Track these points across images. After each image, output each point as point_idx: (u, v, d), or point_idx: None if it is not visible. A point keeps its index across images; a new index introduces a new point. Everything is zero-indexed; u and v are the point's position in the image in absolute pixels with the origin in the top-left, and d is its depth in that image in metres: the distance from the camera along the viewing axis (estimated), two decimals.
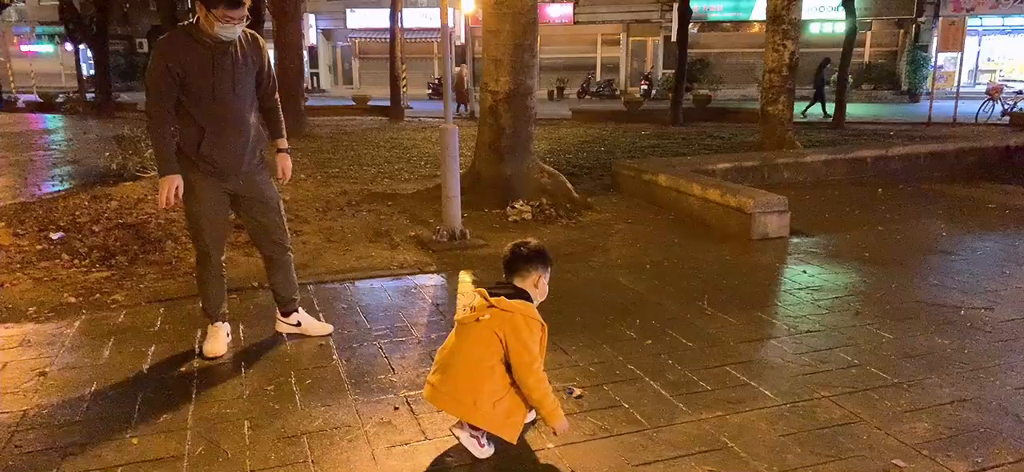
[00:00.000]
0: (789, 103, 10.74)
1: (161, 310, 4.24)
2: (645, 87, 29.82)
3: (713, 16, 30.99)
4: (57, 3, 36.01)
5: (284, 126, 3.77)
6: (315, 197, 7.57)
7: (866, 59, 30.47)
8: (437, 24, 31.00)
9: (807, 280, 4.91)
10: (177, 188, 3.30)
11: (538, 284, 2.64)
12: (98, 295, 4.52)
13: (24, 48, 41.42)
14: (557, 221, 6.68)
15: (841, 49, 17.78)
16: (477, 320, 2.50)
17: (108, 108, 21.67)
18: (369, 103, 23.09)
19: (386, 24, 21.72)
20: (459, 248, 5.63)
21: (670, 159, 9.62)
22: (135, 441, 2.75)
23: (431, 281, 4.93)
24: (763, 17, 11.42)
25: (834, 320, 4.09)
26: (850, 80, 21.16)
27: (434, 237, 5.83)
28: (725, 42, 32.16)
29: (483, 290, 2.58)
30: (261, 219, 3.65)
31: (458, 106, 22.32)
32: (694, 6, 19.89)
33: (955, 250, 5.67)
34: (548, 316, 2.65)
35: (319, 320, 4.02)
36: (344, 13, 34.71)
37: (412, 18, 31.04)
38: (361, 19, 34.41)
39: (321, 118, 20.03)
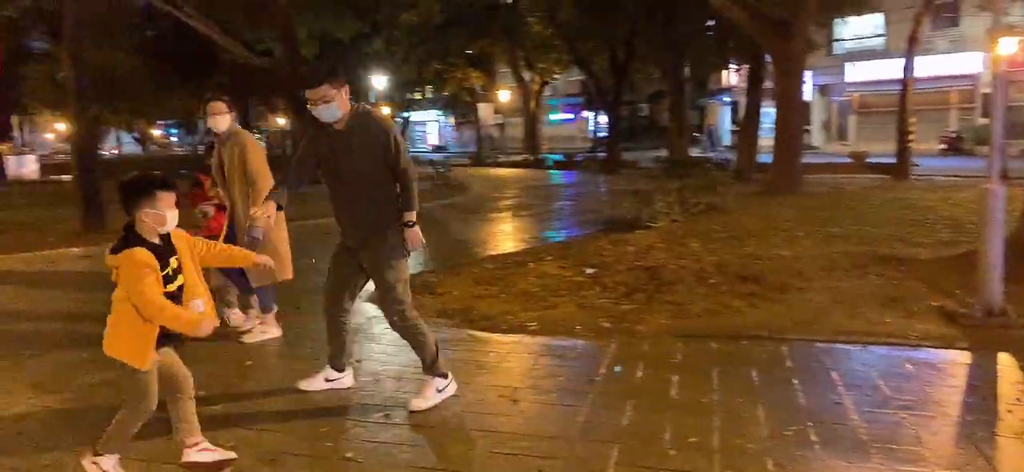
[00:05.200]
0: None
1: (679, 344, 4.71)
2: None
3: None
4: (580, 78, 43.09)
5: (414, 200, 3.83)
6: (817, 256, 7.41)
7: None
8: (955, 72, 27.24)
9: None
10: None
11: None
12: (626, 324, 5.26)
13: (552, 117, 50.64)
14: None
15: None
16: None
17: (615, 164, 24.91)
18: (867, 160, 21.53)
19: (889, 76, 20.04)
20: (999, 326, 4.84)
21: None
22: (672, 453, 3.13)
23: (961, 358, 4.37)
24: None
25: None
26: None
27: (963, 310, 5.14)
28: None
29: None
30: (378, 290, 3.90)
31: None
32: None
33: None
34: None
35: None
36: (842, 67, 33.14)
37: (924, 66, 27.86)
38: (861, 72, 32.33)
39: (816, 176, 19.42)
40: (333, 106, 3.63)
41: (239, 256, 3.38)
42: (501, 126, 48.58)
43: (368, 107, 3.90)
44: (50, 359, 4.81)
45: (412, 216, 3.79)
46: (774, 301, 5.72)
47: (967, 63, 27.51)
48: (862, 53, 31.80)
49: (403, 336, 3.90)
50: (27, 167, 29.05)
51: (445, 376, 3.92)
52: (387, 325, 5.22)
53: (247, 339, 5.18)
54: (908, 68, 18.38)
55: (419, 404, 3.79)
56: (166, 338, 2.96)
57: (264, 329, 5.29)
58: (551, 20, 25.14)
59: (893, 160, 19.02)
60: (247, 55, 21.54)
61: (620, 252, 7.69)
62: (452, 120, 56.61)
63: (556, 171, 26.78)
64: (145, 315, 2.81)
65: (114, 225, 7.33)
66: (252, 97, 35.89)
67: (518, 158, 31.85)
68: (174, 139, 60.95)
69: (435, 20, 23.22)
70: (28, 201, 17.96)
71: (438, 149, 52.00)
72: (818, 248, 7.86)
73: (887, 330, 4.93)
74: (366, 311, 5.92)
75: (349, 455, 3.25)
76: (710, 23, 21.23)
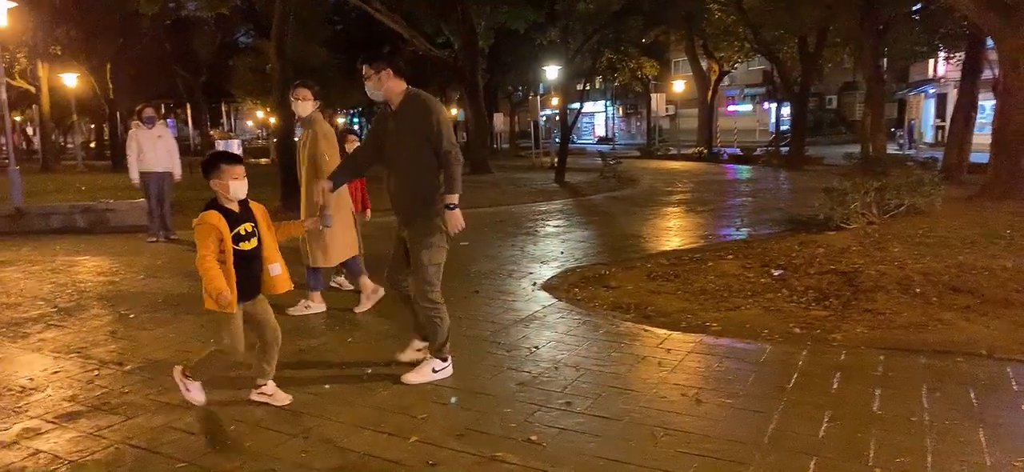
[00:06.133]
0: None
1: (881, 357, 4.34)
2: None
3: None
4: (762, 68, 40.84)
5: (456, 183, 3.90)
6: None
7: None
8: None
9: None
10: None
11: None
12: (818, 331, 4.93)
13: (729, 108, 48.52)
14: None
15: None
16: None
17: (799, 160, 23.38)
18: None
19: None
20: None
21: None
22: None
23: None
24: None
25: None
26: None
27: None
28: None
29: None
30: (412, 266, 4.05)
31: None
32: None
33: None
34: None
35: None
36: None
37: None
38: None
39: None
40: (369, 85, 3.96)
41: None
42: (673, 117, 47.36)
43: (419, 91, 4.06)
44: None
45: (454, 199, 3.92)
46: (994, 317, 5.10)
47: None
48: None
49: (421, 314, 4.13)
50: (232, 150, 32.41)
51: (445, 360, 4.15)
52: (563, 314, 5.35)
53: (292, 311, 5.61)
54: None
55: (412, 379, 4.06)
56: (246, 291, 3.55)
57: (308, 304, 5.70)
58: (735, 5, 24.02)
59: None
60: (428, 47, 22.68)
61: (810, 254, 7.22)
62: (621, 110, 56.03)
63: (733, 165, 25.65)
64: (198, 267, 3.40)
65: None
66: (429, 87, 37.76)
67: (691, 151, 30.87)
68: (355, 126, 65.87)
69: (613, 7, 23.02)
70: None
71: (604, 140, 51.74)
72: None
73: None
74: (541, 299, 6.05)
75: (533, 438, 3.34)
76: (917, 6, 19.27)
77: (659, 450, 3.19)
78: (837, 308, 5.45)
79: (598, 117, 59.21)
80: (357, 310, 5.73)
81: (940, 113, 34.61)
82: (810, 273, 6.43)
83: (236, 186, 3.50)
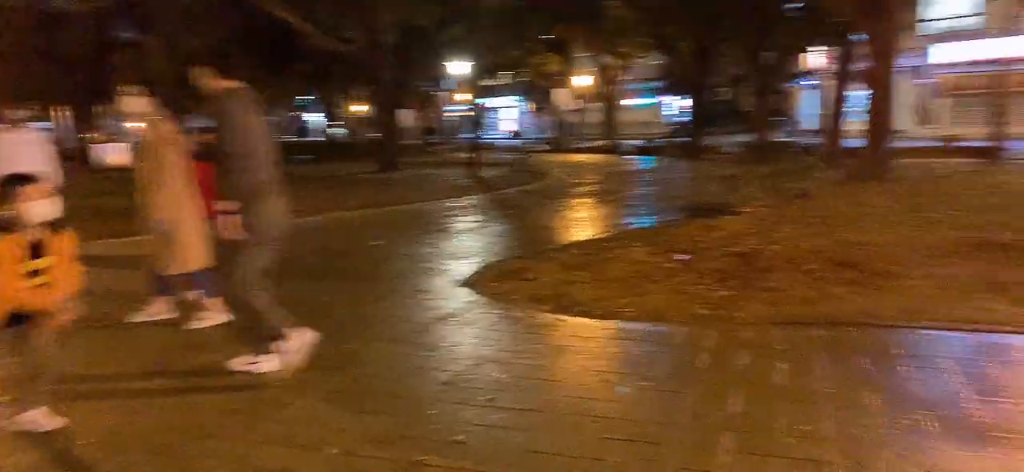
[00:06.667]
0: None
1: (781, 332, 4.63)
2: None
3: None
4: (659, 62, 42.27)
5: (233, 190, 3.99)
6: (916, 242, 7.13)
7: None
8: None
9: None
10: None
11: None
12: (723, 311, 5.22)
13: (630, 102, 49.89)
14: None
15: None
16: None
17: (697, 150, 24.47)
18: (958, 144, 20.44)
19: (979, 57, 18.84)
20: None
21: None
22: (788, 440, 3.13)
23: None
24: None
25: None
26: None
27: None
28: None
29: None
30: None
31: None
32: None
33: None
34: None
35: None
36: (927, 49, 31.30)
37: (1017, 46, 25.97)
38: (948, 54, 30.49)
39: (905, 160, 18.56)
40: (200, 85, 4.11)
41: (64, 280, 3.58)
42: (580, 112, 48.33)
43: (232, 89, 4.10)
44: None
45: (228, 205, 3.97)
46: (876, 288, 5.56)
47: None
48: (951, 34, 30.02)
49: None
50: (113, 154, 30.00)
51: (272, 353, 4.18)
52: (482, 310, 5.40)
53: (193, 325, 5.22)
54: (1005, 49, 17.32)
55: (236, 365, 4.22)
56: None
57: (207, 316, 5.28)
58: (634, 3, 24.82)
59: (986, 144, 18.03)
60: (327, 40, 22.08)
61: (711, 238, 7.60)
62: (533, 106, 56.67)
63: (636, 156, 26.48)
64: None
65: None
66: (332, 84, 36.86)
67: (597, 144, 31.69)
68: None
69: (516, 3, 23.28)
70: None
71: (516, 135, 52.25)
72: (916, 234, 7.56)
73: (995, 317, 4.73)
74: (459, 296, 6.09)
75: (459, 438, 3.33)
76: (799, 4, 20.52)
77: (583, 438, 3.30)
78: (739, 288, 5.77)
79: (509, 113, 59.61)
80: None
81: (823, 104, 36.97)
82: (713, 256, 6.79)
83: (31, 209, 3.23)
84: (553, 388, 3.93)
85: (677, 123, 36.64)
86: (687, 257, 6.89)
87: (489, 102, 42.89)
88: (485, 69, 28.78)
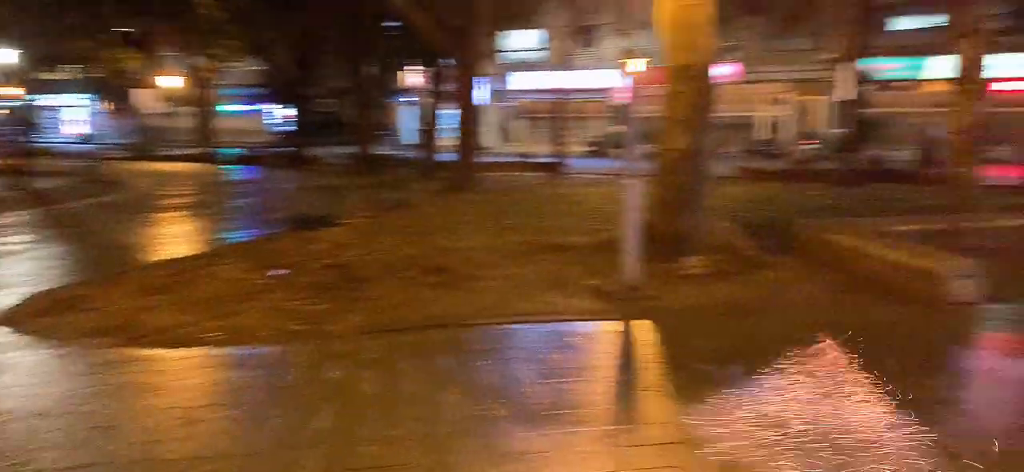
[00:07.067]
0: (976, 165, 10.05)
1: (373, 340, 4.73)
2: (811, 146, 28.54)
3: (885, 75, 29.18)
4: (260, 68, 40.74)
5: None
6: (496, 246, 8.03)
7: None
8: (601, 85, 31.50)
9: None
10: None
11: None
12: (318, 325, 5.11)
13: (226, 108, 47.08)
14: (732, 277, 6.63)
15: None
16: None
17: (300, 160, 24.11)
18: (530, 159, 23.97)
19: (546, 86, 22.60)
20: (637, 298, 5.77)
21: (855, 220, 9.20)
22: (374, 449, 3.13)
23: (612, 327, 5.15)
24: (934, 76, 10.76)
25: None
26: None
27: (610, 288, 6.01)
28: (895, 102, 30.07)
29: None
30: None
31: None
32: (865, 66, 19.12)
33: None
34: None
35: None
36: (507, 76, 36.33)
37: (576, 79, 31.81)
38: (522, 81, 35.83)
39: (490, 174, 21.02)
40: None
41: None
42: (170, 116, 43.74)
43: None
44: None
45: None
46: (460, 290, 6.07)
47: (606, 78, 32.13)
48: (525, 64, 35.37)
49: None
50: None
51: None
52: (24, 351, 4.43)
53: None
54: (563, 81, 21.04)
55: None
56: None
57: None
58: (224, 4, 23.33)
59: (551, 160, 21.63)
60: None
61: (311, 251, 7.46)
62: (111, 106, 49.35)
63: (235, 166, 24.95)
64: None
65: None
66: None
67: (192, 152, 29.03)
68: None
69: None
70: None
71: (86, 140, 44.98)
72: (496, 239, 8.54)
73: (554, 309, 5.56)
74: None
75: None
76: (394, 25, 21.68)
77: None
78: (336, 300, 5.74)
79: (77, 112, 50.90)
80: None
81: (421, 120, 39.94)
82: (312, 269, 6.66)
83: None
84: (115, 435, 3.34)
85: (280, 132, 35.69)
86: (284, 272, 6.63)
87: (49, 100, 36.21)
88: (40, 60, 24.15)
